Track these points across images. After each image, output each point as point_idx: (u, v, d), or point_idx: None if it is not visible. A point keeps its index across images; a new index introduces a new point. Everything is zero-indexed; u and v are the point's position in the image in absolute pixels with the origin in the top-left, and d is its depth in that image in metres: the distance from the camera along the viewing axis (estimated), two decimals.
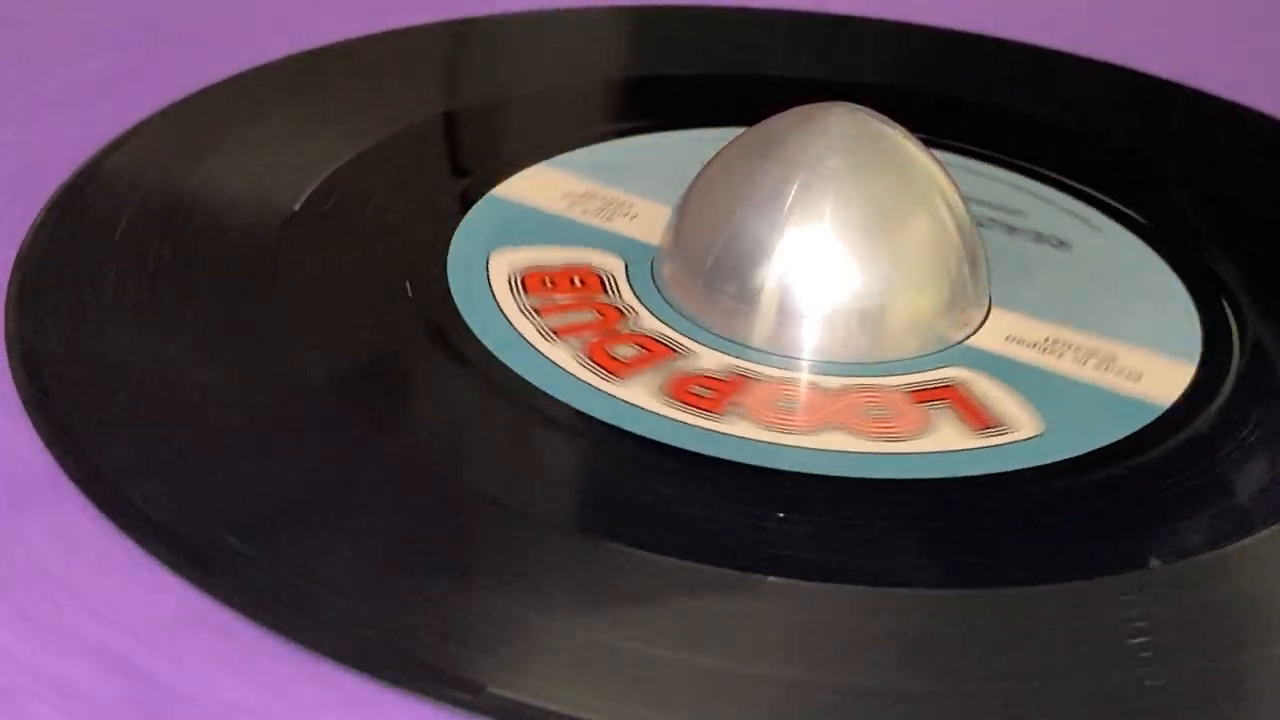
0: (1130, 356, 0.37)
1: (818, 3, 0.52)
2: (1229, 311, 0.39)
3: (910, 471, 0.33)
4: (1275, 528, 0.32)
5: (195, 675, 0.27)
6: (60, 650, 0.28)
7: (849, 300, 0.36)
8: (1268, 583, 0.31)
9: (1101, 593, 0.30)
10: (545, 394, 0.34)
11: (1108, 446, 0.34)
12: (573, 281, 0.37)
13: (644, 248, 0.39)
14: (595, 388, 0.34)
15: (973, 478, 0.33)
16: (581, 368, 0.35)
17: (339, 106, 0.44)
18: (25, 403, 0.33)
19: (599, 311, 0.36)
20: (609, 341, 0.36)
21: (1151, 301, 0.39)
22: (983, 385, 0.35)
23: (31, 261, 0.36)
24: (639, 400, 0.34)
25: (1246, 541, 0.32)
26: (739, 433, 0.33)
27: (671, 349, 0.36)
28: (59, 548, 0.30)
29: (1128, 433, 0.34)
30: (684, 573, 0.30)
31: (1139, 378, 0.36)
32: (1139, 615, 0.30)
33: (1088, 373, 0.36)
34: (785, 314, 0.36)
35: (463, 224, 0.39)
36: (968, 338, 0.37)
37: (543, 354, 0.35)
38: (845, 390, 0.35)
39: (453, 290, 0.37)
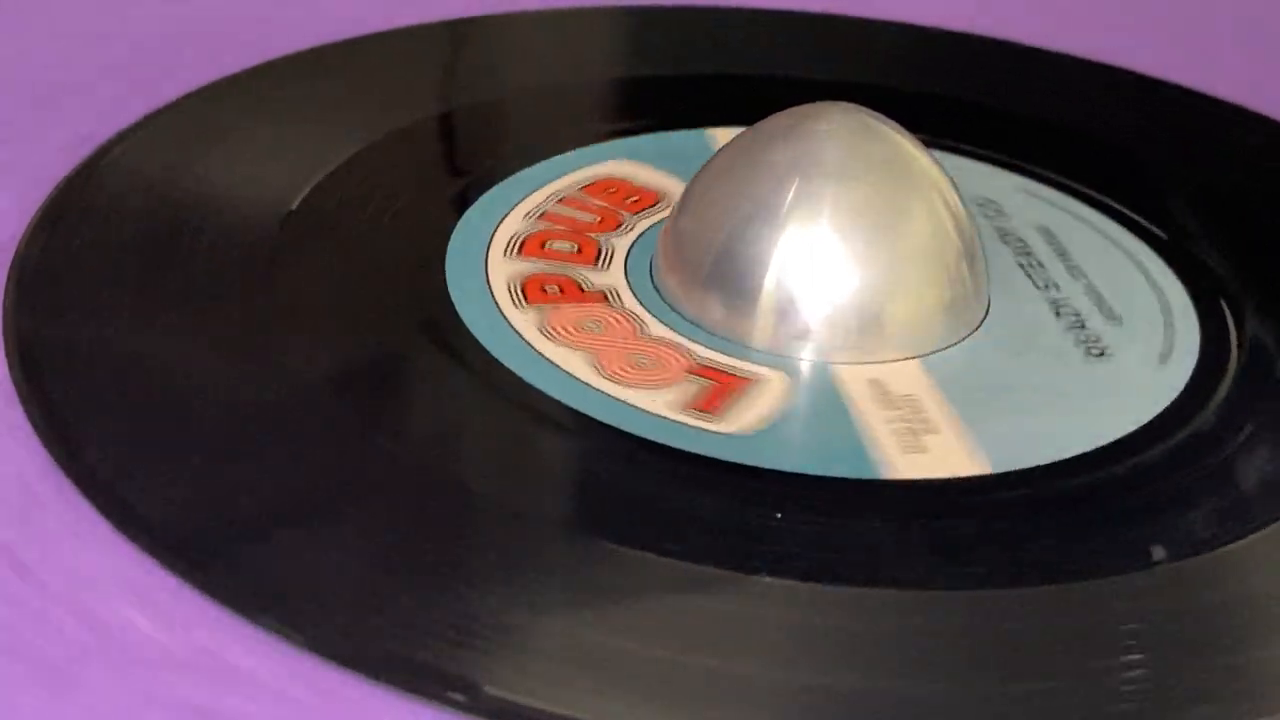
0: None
1: (818, 3, 0.52)
2: (1227, 310, 0.39)
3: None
4: (1275, 526, 0.32)
5: (192, 675, 0.27)
6: (55, 649, 0.28)
7: (849, 300, 0.36)
8: (1268, 581, 0.31)
9: (1101, 592, 0.30)
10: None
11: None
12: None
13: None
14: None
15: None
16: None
17: (337, 105, 0.44)
18: (23, 400, 0.33)
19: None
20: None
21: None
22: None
23: (30, 259, 0.36)
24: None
25: (1246, 540, 0.32)
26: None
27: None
28: (55, 546, 0.30)
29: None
30: (683, 573, 0.30)
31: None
32: (1139, 614, 0.30)
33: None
34: (785, 314, 0.36)
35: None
36: (967, 336, 0.37)
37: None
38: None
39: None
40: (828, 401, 0.35)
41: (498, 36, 0.49)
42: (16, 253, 0.36)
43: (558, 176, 0.41)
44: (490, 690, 0.27)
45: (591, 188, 0.41)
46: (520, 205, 0.40)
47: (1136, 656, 0.29)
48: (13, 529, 0.30)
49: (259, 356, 0.34)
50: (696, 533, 0.31)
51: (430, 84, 0.46)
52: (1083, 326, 0.37)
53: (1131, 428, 0.34)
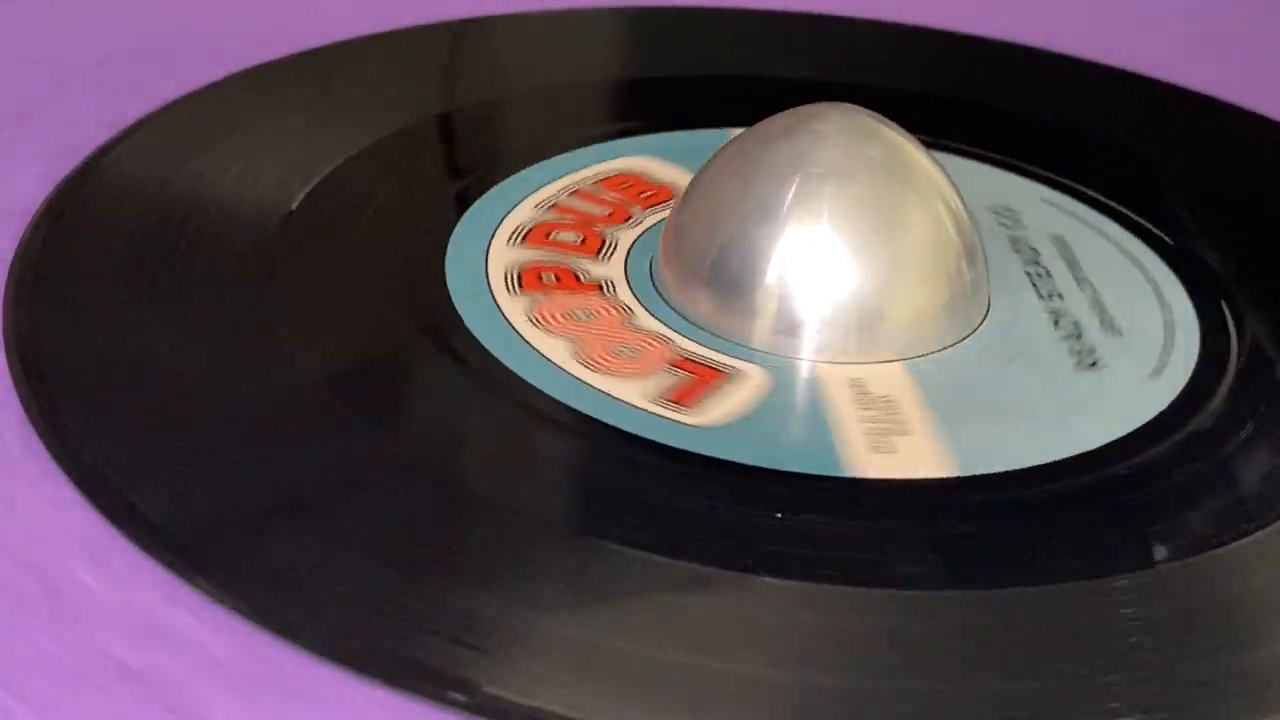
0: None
1: (817, 3, 0.52)
2: (1227, 310, 0.39)
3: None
4: (1275, 525, 0.32)
5: (191, 674, 0.27)
6: (56, 648, 0.28)
7: (848, 300, 0.36)
8: (1268, 580, 0.31)
9: (1101, 592, 0.30)
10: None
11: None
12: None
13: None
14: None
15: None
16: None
17: (337, 106, 0.44)
18: (22, 400, 0.33)
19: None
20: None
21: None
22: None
23: (29, 259, 0.36)
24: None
25: (1246, 539, 0.32)
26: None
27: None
28: (55, 546, 0.30)
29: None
30: (681, 572, 0.30)
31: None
32: (1138, 614, 0.30)
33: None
34: (784, 314, 0.36)
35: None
36: (967, 336, 0.37)
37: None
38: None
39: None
40: (804, 399, 0.35)
41: (497, 37, 0.49)
42: (17, 253, 0.36)
43: (573, 170, 0.41)
44: (488, 689, 0.27)
45: (607, 181, 0.41)
46: (532, 196, 0.40)
47: (1137, 655, 0.29)
48: (13, 527, 0.30)
49: (258, 356, 0.34)
50: (697, 531, 0.31)
51: (430, 84, 0.46)
52: (1079, 337, 0.37)
53: (1108, 439, 0.34)
